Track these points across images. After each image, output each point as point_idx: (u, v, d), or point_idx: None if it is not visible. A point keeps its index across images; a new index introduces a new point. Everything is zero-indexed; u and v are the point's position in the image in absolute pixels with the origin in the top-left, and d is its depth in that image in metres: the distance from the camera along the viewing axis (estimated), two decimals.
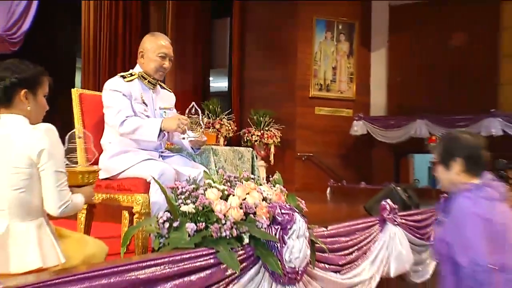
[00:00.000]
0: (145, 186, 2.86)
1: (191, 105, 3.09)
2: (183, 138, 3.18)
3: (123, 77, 3.12)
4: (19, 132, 1.97)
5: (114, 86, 3.06)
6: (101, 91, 3.32)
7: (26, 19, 6.08)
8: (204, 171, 3.01)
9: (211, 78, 10.92)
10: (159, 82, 3.28)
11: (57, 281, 1.61)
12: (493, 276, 1.92)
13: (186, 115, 3.03)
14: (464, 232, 2.00)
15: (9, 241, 1.91)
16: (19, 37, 6.02)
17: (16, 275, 1.83)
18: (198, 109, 3.12)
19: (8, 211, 1.93)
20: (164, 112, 3.26)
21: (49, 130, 1.99)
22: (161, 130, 2.98)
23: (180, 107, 3.41)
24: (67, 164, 2.28)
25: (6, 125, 2.00)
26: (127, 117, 2.99)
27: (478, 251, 1.94)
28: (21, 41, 6.04)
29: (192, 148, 3.23)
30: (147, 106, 3.15)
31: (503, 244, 2.00)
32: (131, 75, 3.16)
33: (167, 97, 3.36)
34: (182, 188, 2.35)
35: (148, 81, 3.19)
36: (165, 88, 3.38)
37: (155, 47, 3.15)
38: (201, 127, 3.12)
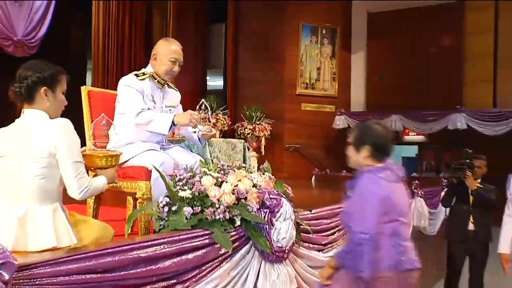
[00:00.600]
0: (147, 174, 2.85)
1: (201, 102, 3.07)
2: (194, 132, 3.16)
3: (137, 75, 3.08)
4: (39, 126, 1.96)
5: (129, 82, 3.03)
6: (109, 89, 3.30)
7: (43, 25, 6.02)
8: (200, 160, 3.00)
9: (208, 77, 10.90)
10: (167, 82, 3.25)
11: (69, 258, 1.61)
12: (381, 242, 2.04)
13: (196, 111, 3.00)
14: (362, 205, 2.09)
15: (28, 223, 1.91)
16: (37, 41, 5.97)
17: (33, 253, 1.83)
18: (208, 106, 3.09)
19: (28, 196, 1.92)
20: (170, 109, 3.22)
21: (65, 124, 1.98)
22: (173, 124, 2.96)
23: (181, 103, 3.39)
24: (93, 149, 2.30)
25: (28, 119, 1.99)
26: (142, 109, 2.96)
27: (369, 222, 2.04)
28: (38, 45, 5.99)
29: (199, 139, 3.22)
30: (155, 103, 3.12)
31: (397, 216, 2.12)
32: (143, 74, 3.11)
33: (173, 96, 3.32)
34: (180, 175, 2.35)
35: (158, 81, 3.14)
36: (172, 87, 3.34)
37: (167, 52, 3.09)
38: (210, 122, 3.10)
